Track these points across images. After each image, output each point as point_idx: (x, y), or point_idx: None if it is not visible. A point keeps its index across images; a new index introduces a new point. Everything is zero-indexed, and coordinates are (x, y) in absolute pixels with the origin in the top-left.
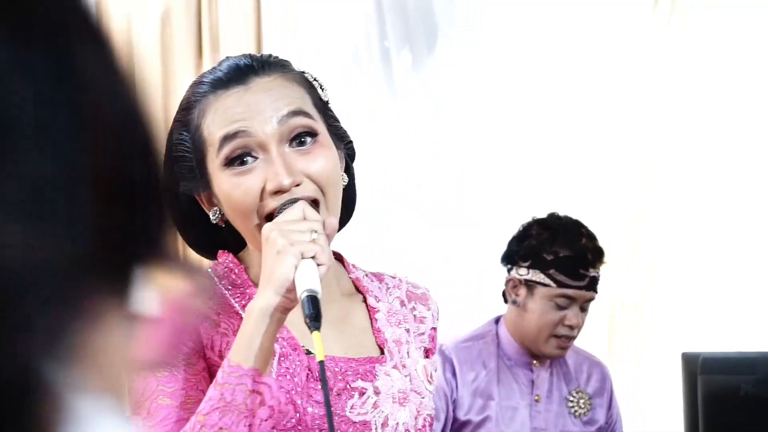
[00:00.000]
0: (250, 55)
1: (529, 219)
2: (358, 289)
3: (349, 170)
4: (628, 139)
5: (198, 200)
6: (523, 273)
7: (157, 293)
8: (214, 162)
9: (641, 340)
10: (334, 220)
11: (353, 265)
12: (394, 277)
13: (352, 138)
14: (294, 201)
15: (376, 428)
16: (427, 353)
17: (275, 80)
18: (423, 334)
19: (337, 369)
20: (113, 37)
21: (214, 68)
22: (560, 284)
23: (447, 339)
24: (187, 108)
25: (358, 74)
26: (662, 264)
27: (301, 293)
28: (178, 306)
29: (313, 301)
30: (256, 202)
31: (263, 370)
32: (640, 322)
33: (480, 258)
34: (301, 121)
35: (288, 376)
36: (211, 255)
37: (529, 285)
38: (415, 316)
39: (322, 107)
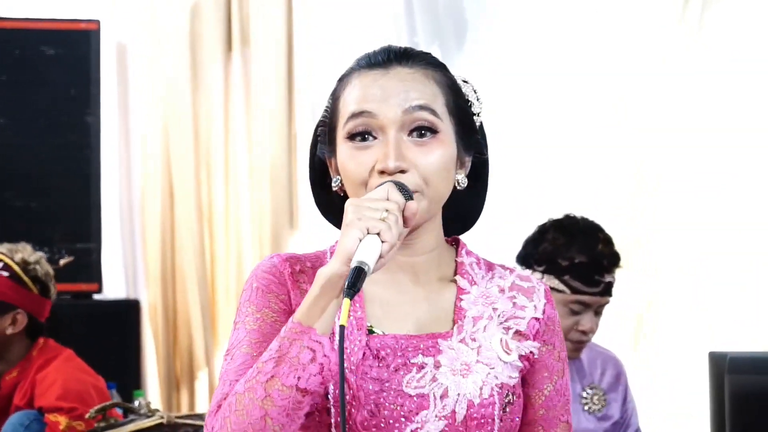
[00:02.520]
0: (408, 47)
1: (545, 220)
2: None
3: (479, 179)
4: (649, 138)
5: (328, 165)
6: (537, 278)
7: (267, 257)
8: (340, 132)
9: (668, 340)
10: (415, 204)
11: (468, 252)
12: (506, 268)
13: None
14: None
15: (434, 399)
16: (523, 339)
17: (414, 73)
18: (518, 318)
19: (396, 346)
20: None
21: (366, 53)
22: (575, 290)
23: None
24: (339, 79)
25: None
26: (689, 263)
27: (353, 263)
28: (279, 269)
29: (358, 272)
30: (364, 177)
31: (321, 330)
32: (668, 322)
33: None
34: (424, 116)
35: (344, 355)
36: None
37: None
38: (514, 303)
39: (457, 112)
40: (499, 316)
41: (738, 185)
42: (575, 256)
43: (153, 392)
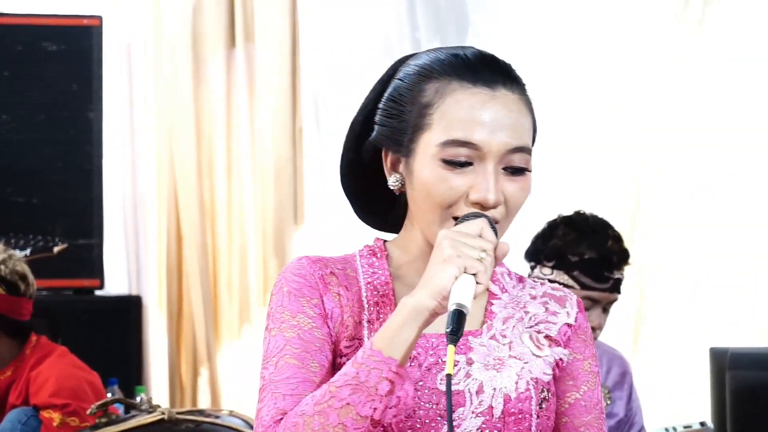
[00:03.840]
0: (497, 58)
1: (554, 216)
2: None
3: None
4: (649, 138)
5: (383, 157)
6: (546, 273)
7: (295, 259)
8: (429, 146)
9: (668, 336)
10: (507, 246)
11: (499, 262)
12: (536, 281)
13: None
14: (478, 215)
15: (470, 395)
16: (554, 344)
17: (519, 100)
18: (550, 323)
19: (428, 345)
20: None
21: (458, 53)
22: (584, 286)
23: None
24: (424, 75)
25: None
26: (689, 259)
27: (451, 305)
28: (309, 271)
29: (459, 316)
30: (454, 202)
31: (401, 362)
32: (667, 321)
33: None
34: (524, 159)
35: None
36: (366, 216)
37: None
38: (546, 308)
39: (533, 143)
40: (530, 318)
41: (739, 185)
42: (585, 252)
43: (155, 388)
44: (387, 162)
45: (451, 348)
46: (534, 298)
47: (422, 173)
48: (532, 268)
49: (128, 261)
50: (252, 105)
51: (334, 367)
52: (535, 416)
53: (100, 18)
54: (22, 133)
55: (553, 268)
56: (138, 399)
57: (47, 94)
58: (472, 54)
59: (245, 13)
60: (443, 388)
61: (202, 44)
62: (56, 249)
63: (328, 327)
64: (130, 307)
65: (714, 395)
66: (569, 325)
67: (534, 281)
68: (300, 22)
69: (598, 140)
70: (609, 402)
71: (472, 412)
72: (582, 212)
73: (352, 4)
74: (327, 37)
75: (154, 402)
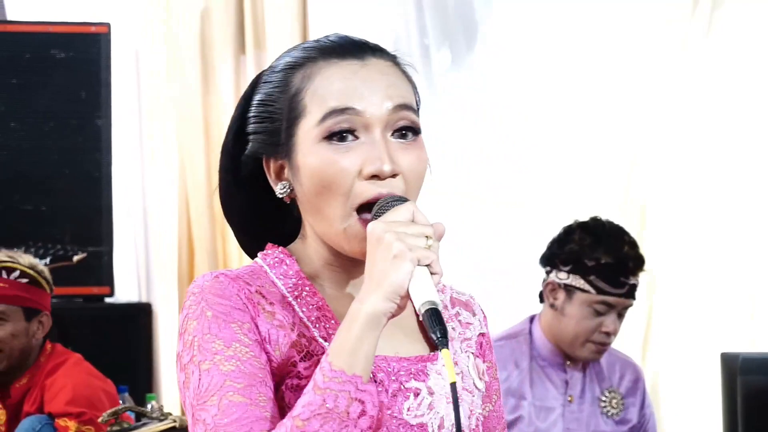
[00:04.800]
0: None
1: (571, 222)
2: None
3: None
4: (660, 139)
5: (265, 168)
6: (562, 277)
7: (208, 277)
8: (308, 131)
9: (679, 341)
10: (442, 226)
11: None
12: (437, 283)
13: None
14: (398, 199)
15: (432, 430)
16: (477, 357)
17: (391, 67)
18: (469, 339)
19: (390, 369)
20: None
21: (318, 39)
22: (600, 291)
23: None
24: (287, 69)
25: None
26: (699, 264)
27: (421, 306)
28: (233, 291)
29: (438, 315)
30: (349, 184)
31: (365, 377)
32: (679, 323)
33: (519, 253)
34: (410, 116)
35: None
36: (250, 240)
37: (569, 290)
38: (460, 321)
39: (418, 111)
40: (457, 338)
41: (750, 191)
42: (601, 257)
43: (165, 396)
44: (270, 172)
45: (446, 352)
46: (446, 307)
47: (307, 163)
48: (548, 272)
49: (138, 268)
50: None
51: (292, 390)
52: None
53: (108, 25)
54: (30, 140)
55: (569, 272)
56: (149, 407)
57: (56, 102)
58: (336, 36)
59: (255, 20)
60: (410, 418)
61: (211, 51)
62: (76, 258)
63: (267, 353)
64: (141, 315)
65: (725, 400)
66: (483, 335)
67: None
68: (310, 30)
69: (608, 140)
70: (622, 408)
71: None
72: (598, 218)
73: (362, 11)
74: None
75: (165, 410)
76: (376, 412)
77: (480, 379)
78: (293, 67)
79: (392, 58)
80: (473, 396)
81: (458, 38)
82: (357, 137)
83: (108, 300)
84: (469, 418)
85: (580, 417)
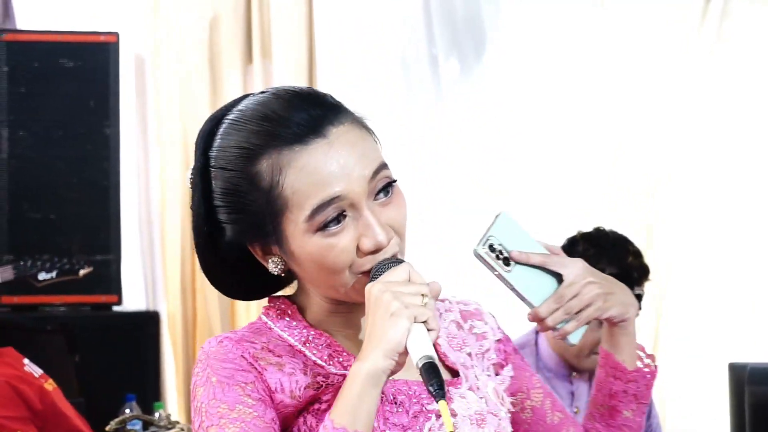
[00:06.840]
0: (299, 92)
1: (574, 233)
2: None
3: None
4: (668, 146)
5: (250, 249)
6: None
7: (213, 343)
8: (297, 225)
9: (687, 351)
10: (438, 285)
11: None
12: (443, 301)
13: (402, 142)
14: (395, 261)
15: None
16: (500, 368)
17: (352, 131)
18: (488, 350)
19: (411, 392)
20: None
21: (266, 110)
22: None
23: None
24: (246, 157)
25: (406, 81)
26: (707, 273)
27: (418, 360)
28: (236, 354)
29: (434, 369)
30: (350, 260)
31: None
32: (686, 333)
33: None
34: (385, 174)
35: None
36: (245, 297)
37: None
38: (475, 334)
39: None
40: (476, 358)
41: (758, 194)
42: (605, 267)
43: (173, 404)
44: (257, 252)
45: (443, 404)
46: (459, 326)
47: (304, 251)
48: None
49: (146, 277)
50: None
51: (314, 415)
52: None
53: (116, 34)
54: (38, 149)
55: None
56: (156, 415)
57: (64, 111)
58: (280, 107)
59: (262, 30)
60: None
61: (218, 61)
62: (82, 272)
63: (274, 406)
64: (148, 323)
65: (733, 411)
66: (499, 341)
67: (441, 302)
68: (317, 39)
69: (618, 150)
70: None
71: None
72: (602, 228)
73: (370, 21)
74: (344, 54)
75: (173, 418)
76: None
77: (500, 404)
78: (254, 155)
79: (347, 116)
80: (500, 420)
81: (467, 48)
82: (346, 215)
83: (116, 308)
84: None
85: None
